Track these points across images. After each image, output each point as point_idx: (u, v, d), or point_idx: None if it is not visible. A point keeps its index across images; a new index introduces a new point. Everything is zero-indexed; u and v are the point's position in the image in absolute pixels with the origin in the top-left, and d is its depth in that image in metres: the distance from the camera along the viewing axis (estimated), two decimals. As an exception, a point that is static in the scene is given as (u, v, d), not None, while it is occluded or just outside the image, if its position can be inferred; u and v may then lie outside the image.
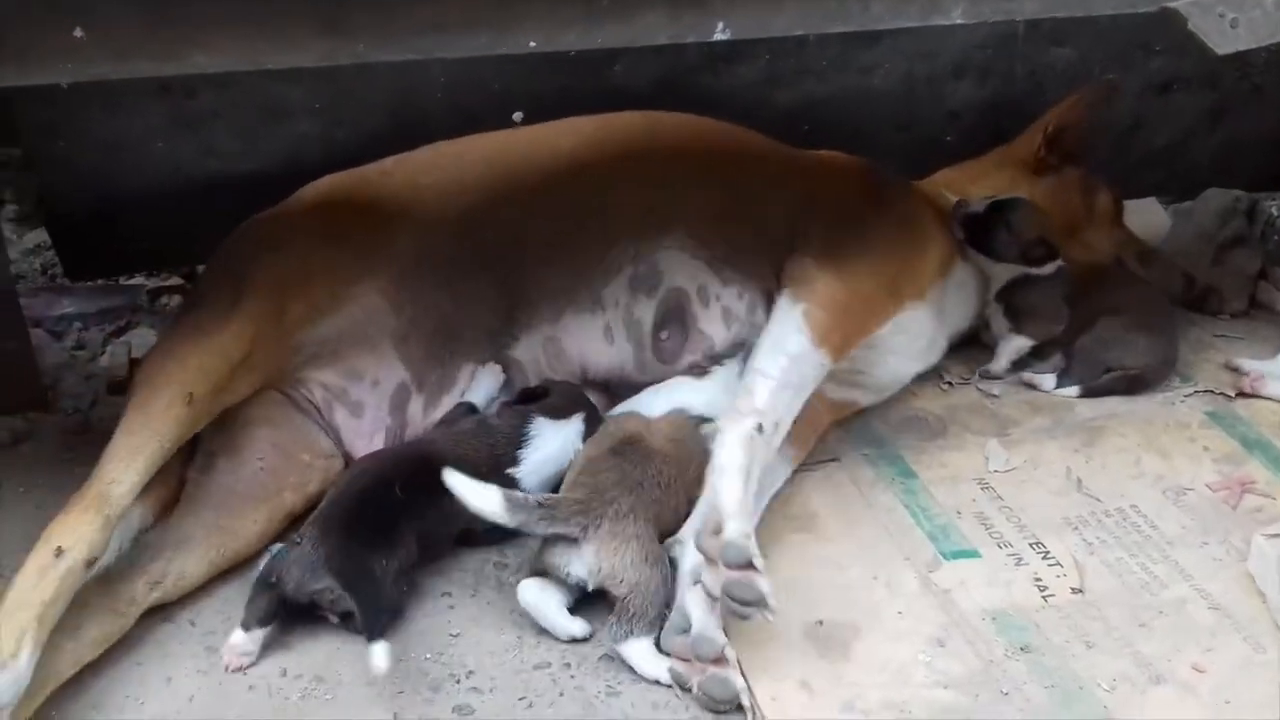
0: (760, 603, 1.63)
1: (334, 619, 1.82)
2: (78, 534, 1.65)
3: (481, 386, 2.16)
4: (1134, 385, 2.44)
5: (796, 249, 2.23)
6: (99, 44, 1.44)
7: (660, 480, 1.90)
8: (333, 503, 1.89)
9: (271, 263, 2.03)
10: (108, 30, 1.43)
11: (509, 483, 1.95)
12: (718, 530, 1.68)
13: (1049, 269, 2.49)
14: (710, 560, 1.68)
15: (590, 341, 2.21)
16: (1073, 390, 2.44)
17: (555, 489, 1.95)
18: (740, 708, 1.66)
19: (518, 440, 2.02)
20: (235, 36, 1.45)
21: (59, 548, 1.63)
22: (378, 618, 1.73)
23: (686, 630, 1.73)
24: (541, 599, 1.80)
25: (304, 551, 1.77)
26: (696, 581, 1.77)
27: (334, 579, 1.75)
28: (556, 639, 1.81)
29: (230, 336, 1.91)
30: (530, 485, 2.00)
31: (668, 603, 1.80)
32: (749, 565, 1.63)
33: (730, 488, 1.76)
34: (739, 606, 1.64)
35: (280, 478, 2.01)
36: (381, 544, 1.81)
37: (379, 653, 1.67)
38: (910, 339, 2.33)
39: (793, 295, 2.12)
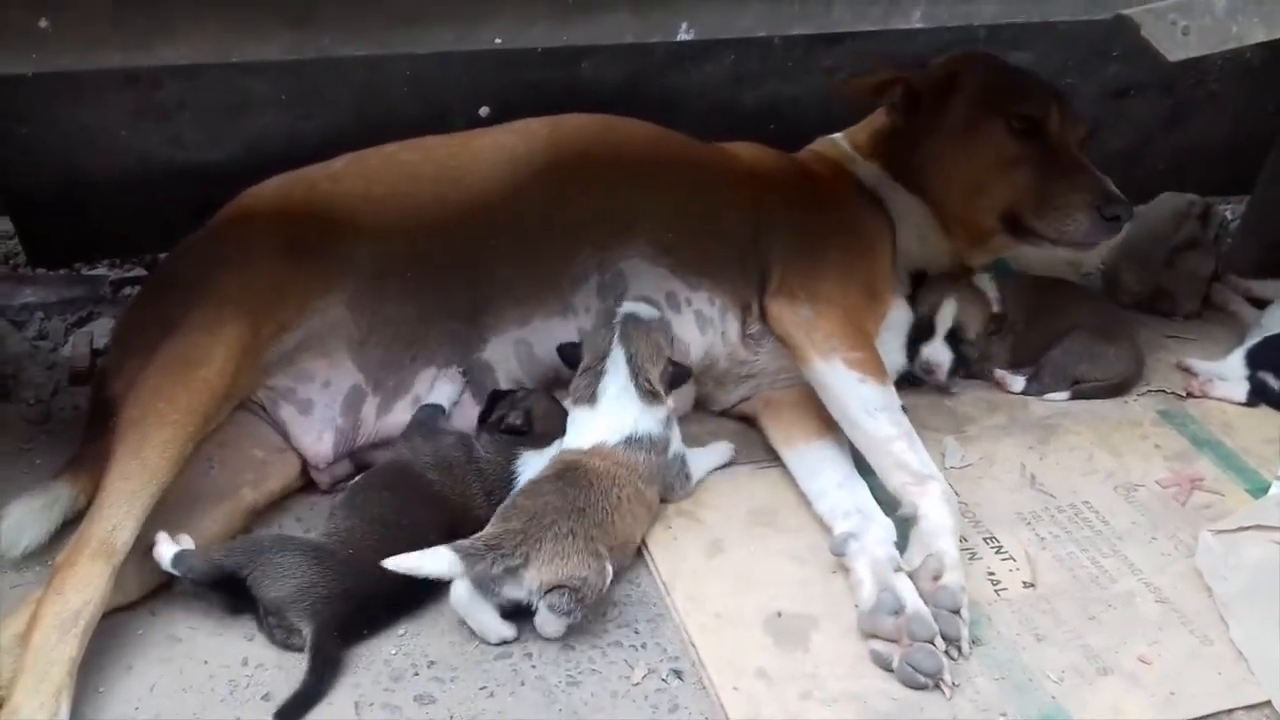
0: (958, 642, 1.80)
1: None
2: (92, 586, 1.67)
3: (442, 393, 2.13)
4: (1113, 393, 2.51)
5: (766, 276, 2.24)
6: (65, 35, 1.43)
7: (606, 503, 1.88)
8: (347, 556, 1.81)
9: (241, 283, 1.99)
10: (75, 21, 1.43)
11: None
12: (937, 576, 1.86)
13: None
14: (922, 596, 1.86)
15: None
16: (1061, 395, 2.49)
17: None
18: (939, 685, 1.76)
19: (508, 479, 2.00)
20: (203, 29, 1.45)
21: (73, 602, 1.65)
22: (313, 700, 1.69)
23: (896, 612, 1.80)
24: (473, 602, 1.78)
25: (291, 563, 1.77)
26: (898, 569, 1.88)
27: (308, 621, 1.74)
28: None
29: (215, 373, 1.89)
30: None
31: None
32: (957, 611, 1.82)
33: (950, 547, 1.91)
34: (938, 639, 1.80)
35: (235, 476, 2.00)
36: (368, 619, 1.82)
37: None
38: (896, 333, 2.36)
39: (817, 350, 2.14)
